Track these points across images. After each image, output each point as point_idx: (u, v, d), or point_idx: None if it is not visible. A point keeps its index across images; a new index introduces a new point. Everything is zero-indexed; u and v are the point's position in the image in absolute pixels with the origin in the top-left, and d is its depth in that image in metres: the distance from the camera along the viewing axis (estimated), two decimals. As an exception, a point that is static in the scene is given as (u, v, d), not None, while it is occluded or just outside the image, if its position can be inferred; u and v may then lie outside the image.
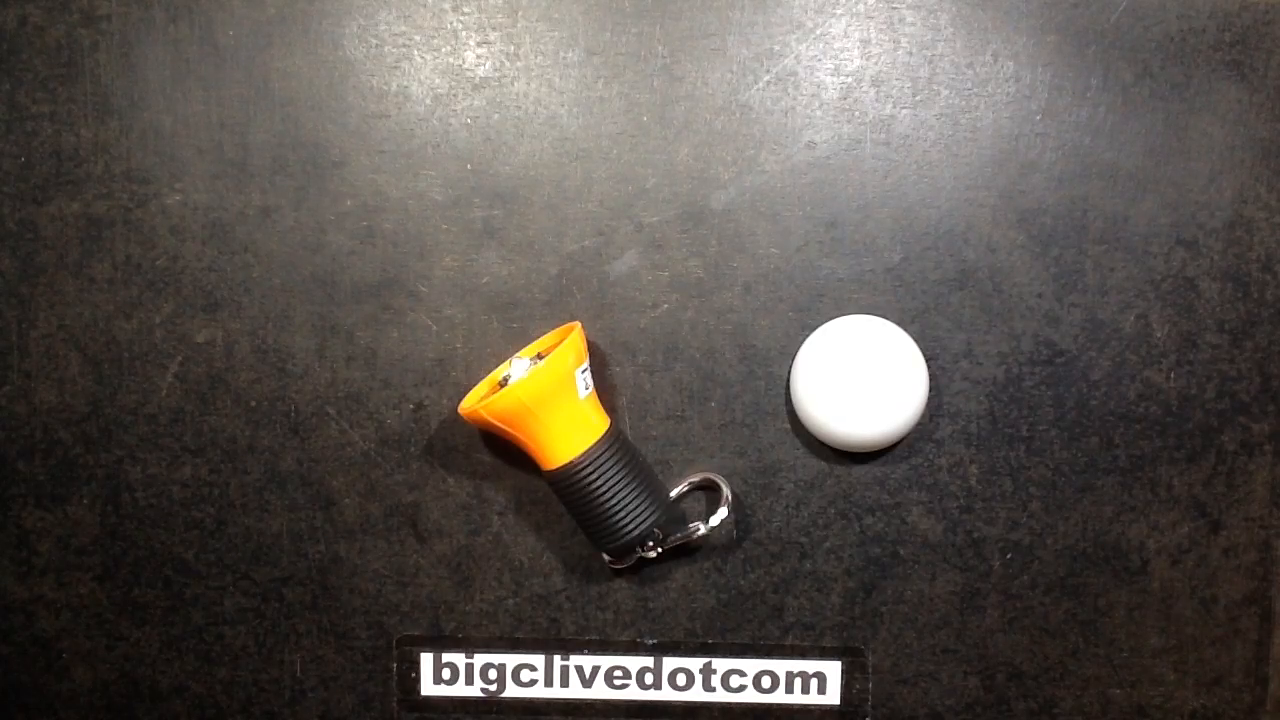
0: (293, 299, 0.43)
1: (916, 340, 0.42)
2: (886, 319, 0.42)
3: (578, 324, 0.41)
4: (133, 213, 0.42)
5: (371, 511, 0.44)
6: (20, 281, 0.43)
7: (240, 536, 0.44)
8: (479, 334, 0.43)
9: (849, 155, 0.42)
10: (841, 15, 0.42)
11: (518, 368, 0.41)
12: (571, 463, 0.39)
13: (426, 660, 0.45)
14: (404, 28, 0.42)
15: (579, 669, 0.45)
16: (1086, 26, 0.42)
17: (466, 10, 0.42)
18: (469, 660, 0.45)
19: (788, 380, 0.43)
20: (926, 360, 0.42)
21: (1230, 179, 0.42)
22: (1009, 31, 0.42)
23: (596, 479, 0.39)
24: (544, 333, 0.43)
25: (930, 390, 0.42)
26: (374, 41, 0.42)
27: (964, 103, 0.42)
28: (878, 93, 0.42)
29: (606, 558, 0.42)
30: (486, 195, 0.43)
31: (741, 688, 0.45)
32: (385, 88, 0.42)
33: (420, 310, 0.43)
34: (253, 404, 0.43)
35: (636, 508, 0.40)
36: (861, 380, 0.40)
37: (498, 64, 0.42)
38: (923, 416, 0.43)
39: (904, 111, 0.42)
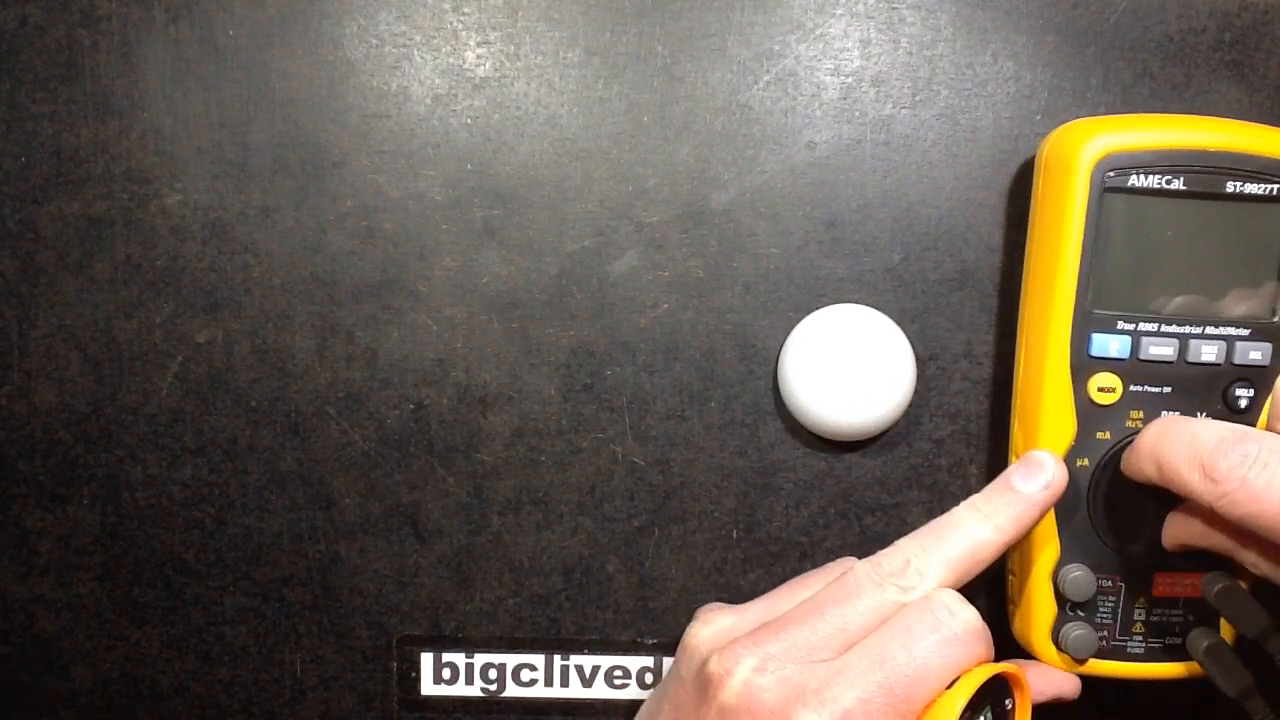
0: (293, 299, 0.43)
1: (916, 340, 0.42)
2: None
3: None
4: (133, 213, 0.42)
5: (371, 511, 0.44)
6: (20, 281, 0.43)
7: (240, 536, 0.44)
8: (479, 334, 0.43)
9: (849, 155, 0.42)
10: (841, 15, 0.42)
11: None
12: None
13: (426, 660, 0.45)
14: (404, 28, 0.42)
15: (579, 669, 0.45)
16: (1086, 26, 0.42)
17: (466, 10, 0.42)
18: (469, 660, 0.45)
19: (774, 377, 0.43)
20: (926, 360, 0.42)
21: (1230, 179, 0.42)
22: (1009, 31, 0.42)
23: None
24: (543, 332, 0.43)
25: (930, 390, 0.42)
26: (374, 41, 0.42)
27: (964, 103, 0.42)
28: (878, 93, 0.42)
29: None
30: (486, 195, 0.43)
31: (741, 688, 0.44)
32: (385, 88, 0.42)
33: (420, 310, 0.43)
34: (253, 404, 0.43)
35: None
36: (846, 367, 0.40)
37: (498, 64, 0.42)
38: (923, 416, 0.43)
39: (904, 111, 0.42)
